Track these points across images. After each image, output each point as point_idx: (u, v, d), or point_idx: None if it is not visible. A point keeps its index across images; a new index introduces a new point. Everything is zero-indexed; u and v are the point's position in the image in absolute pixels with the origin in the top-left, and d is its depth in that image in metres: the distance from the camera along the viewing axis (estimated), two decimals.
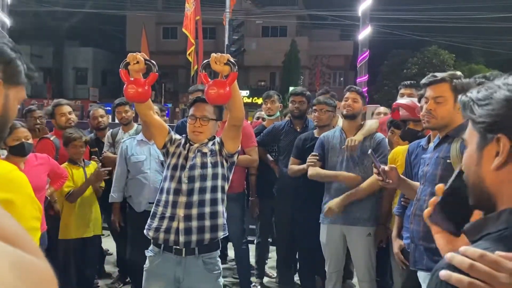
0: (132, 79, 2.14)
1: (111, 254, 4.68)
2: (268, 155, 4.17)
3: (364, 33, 6.55)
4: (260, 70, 29.20)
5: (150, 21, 27.44)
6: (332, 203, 3.15)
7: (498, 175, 0.82)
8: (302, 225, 3.69)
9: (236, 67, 2.10)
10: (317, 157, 3.32)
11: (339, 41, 30.86)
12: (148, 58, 2.15)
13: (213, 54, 2.10)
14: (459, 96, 0.92)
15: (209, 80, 2.10)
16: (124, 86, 2.13)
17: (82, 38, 31.50)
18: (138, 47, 21.95)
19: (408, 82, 4.12)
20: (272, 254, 4.46)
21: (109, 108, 5.66)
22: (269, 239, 4.53)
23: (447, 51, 25.49)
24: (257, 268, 4.34)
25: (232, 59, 2.09)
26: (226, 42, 12.64)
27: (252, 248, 4.22)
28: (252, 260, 4.31)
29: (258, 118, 5.18)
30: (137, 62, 2.13)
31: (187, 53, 11.79)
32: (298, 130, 3.93)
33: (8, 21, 7.66)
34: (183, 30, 11.67)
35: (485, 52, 27.23)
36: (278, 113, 4.43)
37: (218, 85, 2.06)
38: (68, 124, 3.93)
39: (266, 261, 4.51)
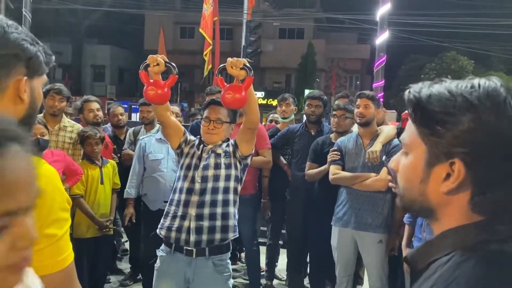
0: (152, 81, 2.17)
1: (128, 254, 4.73)
2: (282, 158, 4.17)
3: (382, 37, 6.51)
4: (275, 72, 29.21)
5: (168, 21, 27.66)
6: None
7: (445, 197, 0.75)
8: (314, 229, 3.68)
9: (252, 71, 2.12)
10: (339, 154, 3.31)
11: (356, 45, 30.70)
12: (168, 60, 2.18)
13: (229, 59, 2.12)
14: (406, 93, 0.80)
15: (225, 84, 2.13)
16: (144, 88, 2.16)
17: (101, 36, 31.89)
18: (156, 46, 22.13)
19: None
20: (282, 256, 4.46)
21: (126, 106, 5.77)
22: (279, 242, 4.53)
23: (466, 57, 25.16)
24: (267, 270, 4.35)
25: (248, 64, 2.11)
26: (243, 43, 12.68)
27: (262, 250, 4.24)
28: (263, 262, 4.32)
29: (271, 121, 5.18)
30: (157, 64, 2.16)
31: (204, 53, 11.81)
32: (313, 134, 3.92)
33: (30, 18, 7.83)
34: (200, 30, 11.71)
35: (505, 59, 26.80)
36: (292, 116, 4.43)
37: (234, 89, 2.09)
38: (95, 120, 4.02)
39: (276, 263, 4.51)
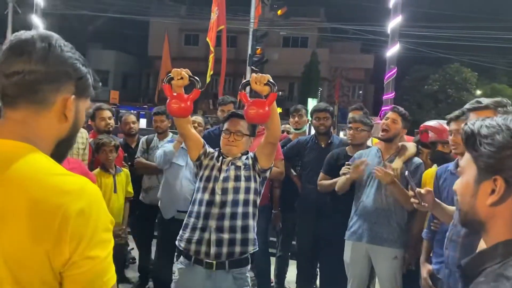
0: (175, 94, 2.18)
1: (135, 262, 4.72)
2: (292, 170, 4.16)
3: (392, 50, 6.52)
4: (279, 80, 29.02)
5: (173, 27, 27.77)
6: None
7: (491, 210, 0.92)
8: (325, 241, 3.66)
9: (276, 87, 2.13)
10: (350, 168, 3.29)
11: (360, 54, 30.77)
12: (191, 74, 2.19)
13: (254, 74, 2.14)
14: (462, 125, 1.03)
15: (249, 99, 2.14)
16: (167, 101, 2.17)
17: (105, 41, 31.99)
18: (160, 52, 22.23)
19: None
20: (292, 267, 4.44)
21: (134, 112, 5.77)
22: (289, 253, 4.51)
23: (469, 69, 25.24)
24: (277, 281, 4.32)
25: (272, 80, 2.13)
26: (249, 52, 12.74)
27: (272, 261, 4.22)
28: (272, 273, 4.29)
29: (282, 131, 5.18)
30: (181, 78, 2.17)
31: (209, 60, 11.87)
32: (323, 146, 3.91)
33: (41, 24, 7.90)
34: (207, 39, 11.77)
35: (509, 72, 26.88)
36: (305, 127, 4.43)
37: (258, 105, 2.11)
38: (107, 129, 4.04)
39: (285, 274, 4.49)
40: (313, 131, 4.13)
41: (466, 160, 0.99)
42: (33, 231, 0.85)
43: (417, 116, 18.18)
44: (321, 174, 3.62)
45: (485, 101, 2.15)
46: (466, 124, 1.00)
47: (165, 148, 3.64)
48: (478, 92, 26.26)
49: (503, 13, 23.38)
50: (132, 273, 4.60)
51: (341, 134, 10.85)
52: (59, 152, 1.01)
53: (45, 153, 0.96)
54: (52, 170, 0.92)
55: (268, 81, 2.12)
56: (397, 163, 3.10)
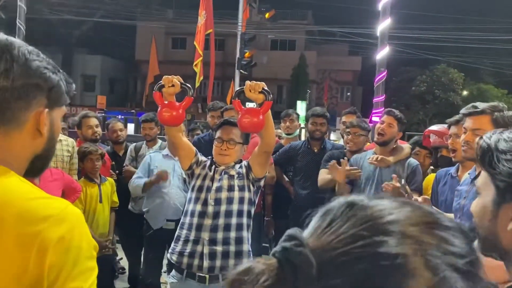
0: (166, 102, 2.10)
1: (125, 273, 4.61)
2: (284, 176, 4.09)
3: (382, 53, 6.50)
4: (267, 83, 28.44)
5: (160, 31, 27.63)
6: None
7: None
8: None
9: (271, 95, 2.07)
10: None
11: (347, 56, 30.93)
12: (183, 82, 2.12)
13: (248, 82, 2.08)
14: (477, 139, 0.89)
15: (243, 107, 2.07)
16: (158, 110, 2.09)
17: (91, 45, 31.72)
18: (147, 56, 22.07)
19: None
20: None
21: (122, 117, 5.67)
22: None
23: (456, 69, 25.51)
24: None
25: (266, 88, 2.06)
26: (238, 55, 12.70)
27: None
28: None
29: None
30: (173, 85, 2.09)
31: (194, 63, 11.77)
32: (316, 151, 3.85)
33: (24, 28, 7.78)
34: (195, 43, 11.68)
35: (494, 72, 27.25)
36: (297, 132, 4.37)
37: (252, 113, 2.04)
38: (94, 137, 3.95)
39: None
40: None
41: (483, 179, 0.86)
42: (4, 266, 0.76)
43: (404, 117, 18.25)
44: (321, 171, 3.43)
45: (481, 105, 2.10)
46: (481, 137, 0.88)
47: (136, 182, 3.56)
48: (465, 92, 26.57)
49: (489, 14, 23.73)
50: (122, 284, 4.49)
51: (332, 135, 10.85)
52: (36, 167, 0.92)
53: (20, 171, 0.86)
54: (27, 194, 0.82)
55: (263, 89, 2.06)
56: (390, 158, 3.02)
